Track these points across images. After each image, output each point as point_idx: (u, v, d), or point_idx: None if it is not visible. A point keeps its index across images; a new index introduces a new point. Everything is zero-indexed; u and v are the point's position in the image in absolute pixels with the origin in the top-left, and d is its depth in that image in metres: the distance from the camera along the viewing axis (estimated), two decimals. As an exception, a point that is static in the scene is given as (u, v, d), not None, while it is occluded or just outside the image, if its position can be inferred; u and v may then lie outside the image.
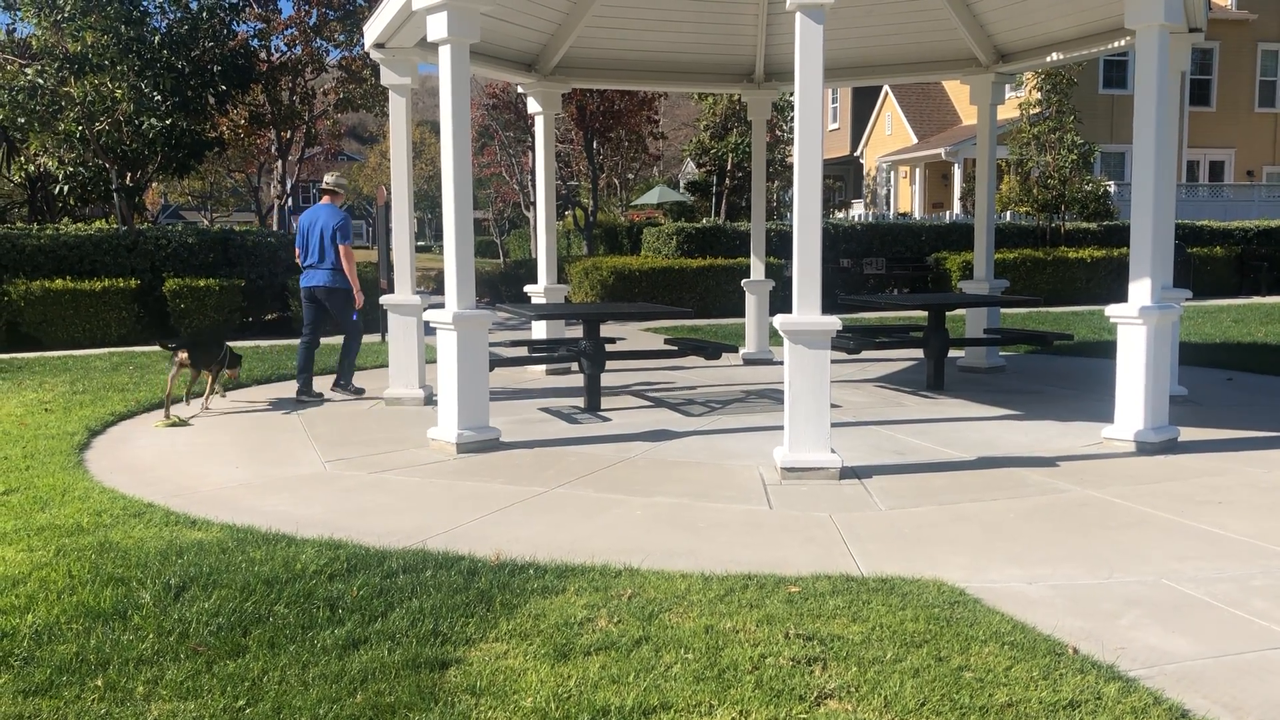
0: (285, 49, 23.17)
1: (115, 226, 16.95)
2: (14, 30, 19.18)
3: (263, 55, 22.25)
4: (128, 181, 18.28)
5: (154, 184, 27.27)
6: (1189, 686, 3.51)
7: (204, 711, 3.34)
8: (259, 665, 3.67)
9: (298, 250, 9.67)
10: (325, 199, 9.67)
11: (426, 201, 59.58)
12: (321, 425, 8.36)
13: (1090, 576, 4.63)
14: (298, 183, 27.92)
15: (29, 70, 16.80)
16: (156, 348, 13.39)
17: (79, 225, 17.03)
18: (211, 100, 18.93)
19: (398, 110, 9.18)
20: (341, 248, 9.38)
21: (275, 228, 25.51)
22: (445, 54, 7.18)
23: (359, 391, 9.93)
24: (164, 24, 18.07)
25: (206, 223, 45.94)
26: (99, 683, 3.55)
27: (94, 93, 16.67)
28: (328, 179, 9.75)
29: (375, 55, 9.01)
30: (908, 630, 3.95)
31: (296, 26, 22.81)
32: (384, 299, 9.39)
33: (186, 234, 16.29)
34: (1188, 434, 7.58)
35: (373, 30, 8.74)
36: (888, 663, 3.67)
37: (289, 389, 10.18)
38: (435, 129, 54.96)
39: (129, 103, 16.94)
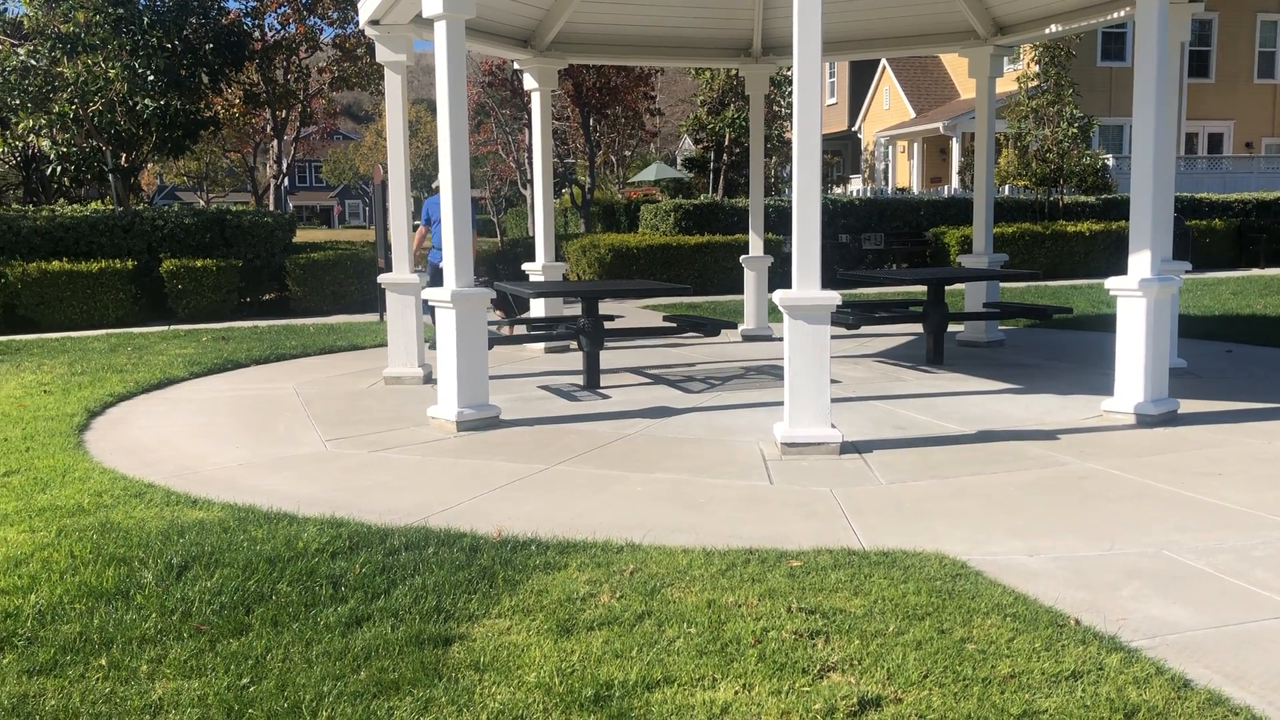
0: (279, 27, 23.00)
1: (111, 207, 16.89)
2: (5, 10, 19.04)
3: (256, 34, 22.09)
4: (123, 162, 18.20)
5: (149, 164, 27.16)
6: (1191, 656, 3.53)
7: (208, 690, 3.35)
8: (262, 643, 3.68)
9: None
10: None
11: (423, 180, 59.34)
12: (321, 405, 8.35)
13: (1091, 548, 4.64)
14: (293, 162, 27.81)
15: (21, 50, 16.70)
16: (154, 328, 13.35)
17: (75, 206, 16.96)
18: (205, 79, 18.81)
19: (393, 88, 9.12)
20: None
21: (272, 207, 25.41)
22: (441, 30, 7.13)
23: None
24: (153, 1, 17.92)
25: (202, 203, 45.81)
26: (103, 662, 3.55)
27: (87, 73, 16.57)
28: None
29: (370, 32, 8.94)
30: (910, 603, 3.96)
31: (289, 4, 22.62)
32: (382, 278, 9.37)
33: (183, 214, 16.24)
34: (1187, 406, 7.59)
35: (367, 7, 8.67)
36: (890, 635, 3.68)
37: (292, 369, 10.20)
38: (431, 107, 54.74)
39: (123, 82, 16.83)
